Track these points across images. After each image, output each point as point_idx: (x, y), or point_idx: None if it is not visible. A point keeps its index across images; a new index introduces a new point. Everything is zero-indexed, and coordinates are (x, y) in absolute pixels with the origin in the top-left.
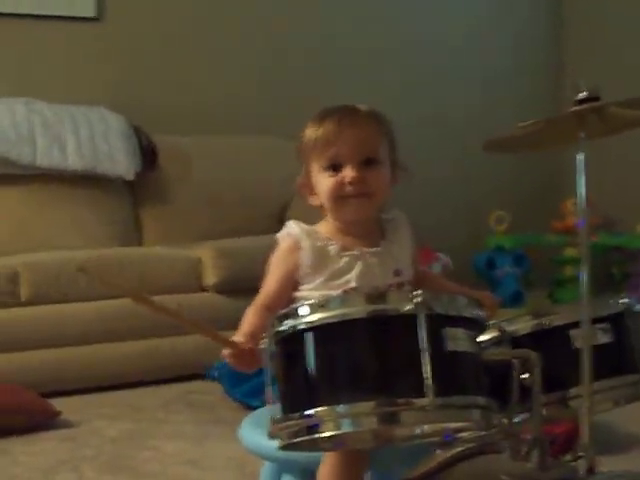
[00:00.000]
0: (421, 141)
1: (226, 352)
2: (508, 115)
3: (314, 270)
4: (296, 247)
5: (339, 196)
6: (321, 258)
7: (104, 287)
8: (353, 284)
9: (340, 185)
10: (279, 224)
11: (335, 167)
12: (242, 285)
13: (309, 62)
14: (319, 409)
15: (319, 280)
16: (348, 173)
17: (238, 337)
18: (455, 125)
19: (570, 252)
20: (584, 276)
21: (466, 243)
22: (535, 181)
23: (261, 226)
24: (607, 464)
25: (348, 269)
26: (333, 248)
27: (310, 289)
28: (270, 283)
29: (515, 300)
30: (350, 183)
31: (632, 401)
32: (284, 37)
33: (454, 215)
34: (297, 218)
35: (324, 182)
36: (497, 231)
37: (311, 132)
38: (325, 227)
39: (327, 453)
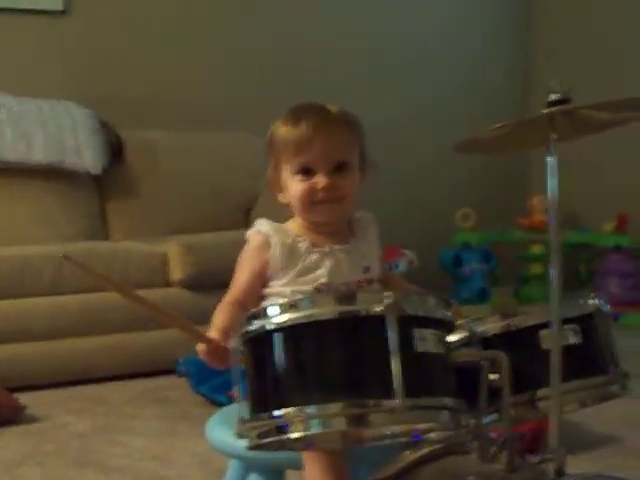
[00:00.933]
0: (389, 139)
1: (201, 348)
2: (477, 115)
3: (284, 266)
4: (266, 244)
5: (310, 201)
6: (291, 254)
7: (87, 275)
8: (324, 280)
9: (312, 191)
10: (246, 219)
11: (306, 171)
12: (208, 281)
13: (279, 58)
14: (288, 410)
15: (289, 276)
16: (320, 180)
17: (211, 333)
18: (423, 123)
19: (536, 249)
20: (555, 276)
21: (433, 240)
22: (501, 178)
23: (228, 221)
24: (574, 463)
25: (318, 265)
26: (303, 245)
27: (280, 285)
28: (240, 279)
29: (481, 297)
30: (322, 189)
31: (599, 402)
32: (253, 30)
33: (420, 212)
34: (265, 213)
35: (295, 186)
36: (463, 228)
37: (284, 132)
38: (294, 224)
39: (308, 456)
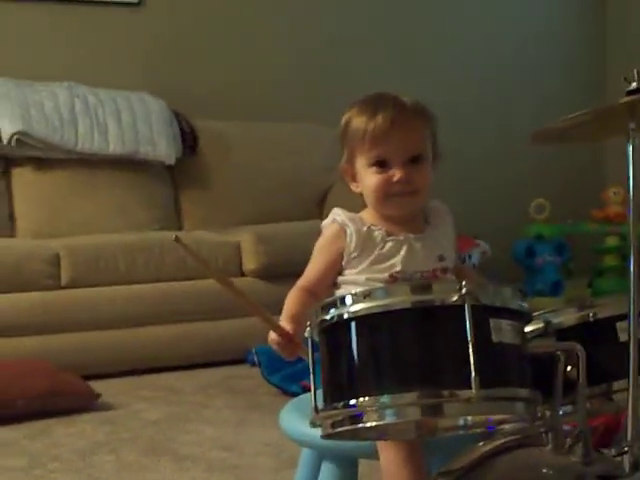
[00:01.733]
0: (464, 129)
1: (272, 336)
2: (554, 104)
3: (359, 254)
4: (342, 232)
5: (385, 193)
6: (366, 242)
7: (194, 260)
8: (398, 268)
9: (387, 184)
10: (319, 211)
11: (381, 164)
12: (281, 270)
13: (351, 50)
14: (362, 399)
15: (364, 264)
16: (396, 172)
17: (282, 321)
18: (499, 113)
19: (611, 241)
20: (632, 267)
21: (506, 231)
22: (576, 169)
23: (300, 212)
24: None
25: (393, 253)
26: (378, 233)
27: (355, 273)
28: (314, 267)
29: (555, 289)
30: (397, 182)
31: None
32: (328, 24)
33: (494, 203)
34: (338, 204)
35: (370, 178)
36: (537, 219)
37: (359, 124)
38: (368, 214)
39: (384, 446)
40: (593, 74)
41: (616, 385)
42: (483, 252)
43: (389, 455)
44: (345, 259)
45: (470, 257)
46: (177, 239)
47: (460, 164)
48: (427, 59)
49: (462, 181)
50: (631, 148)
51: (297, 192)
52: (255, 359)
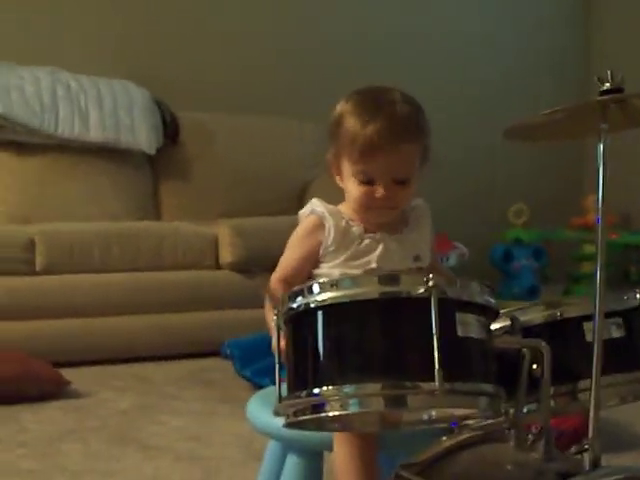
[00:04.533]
0: (445, 132)
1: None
2: (538, 108)
3: (336, 249)
4: (320, 224)
5: (366, 206)
6: (344, 237)
7: None
8: (373, 265)
9: (369, 198)
10: (298, 205)
11: (366, 179)
12: (258, 263)
13: (338, 46)
14: (326, 388)
15: (340, 259)
16: (379, 190)
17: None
18: (481, 117)
19: (588, 249)
20: (599, 266)
21: (484, 234)
22: (557, 176)
23: (280, 206)
24: (612, 462)
25: (369, 250)
26: (356, 229)
27: (330, 267)
28: (291, 258)
29: (531, 294)
30: (379, 198)
31: None
32: (310, 17)
33: (474, 206)
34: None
35: (353, 187)
36: (516, 224)
37: (351, 126)
38: (348, 208)
39: (338, 439)
40: (577, 77)
41: (581, 384)
42: (461, 255)
43: (342, 448)
44: (322, 252)
45: (448, 259)
46: None
47: (441, 165)
48: (410, 58)
49: (442, 183)
50: (602, 148)
51: (278, 186)
52: (228, 352)
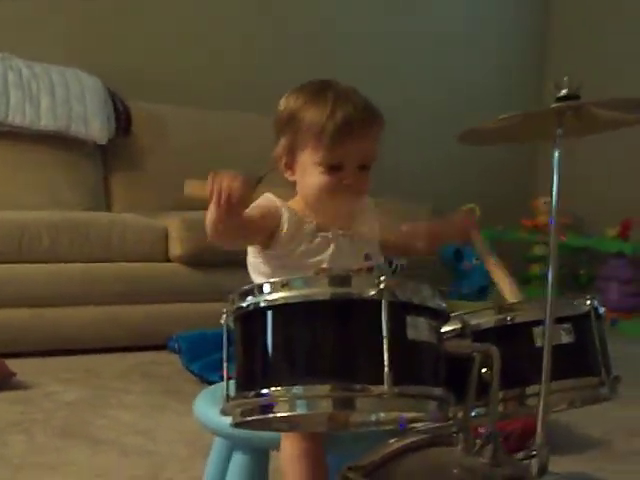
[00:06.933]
0: (397, 133)
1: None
2: (491, 109)
3: (289, 239)
4: (277, 209)
5: (332, 194)
6: (297, 231)
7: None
8: (325, 265)
9: (335, 184)
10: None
11: (334, 166)
12: (208, 258)
13: (290, 39)
14: (274, 389)
15: (291, 257)
16: (347, 177)
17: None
18: (432, 117)
19: (538, 250)
20: (550, 273)
21: None
22: (508, 177)
23: None
24: (560, 464)
25: (321, 250)
26: (309, 226)
27: (279, 266)
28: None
29: (480, 294)
30: (346, 185)
31: (589, 403)
32: (273, 10)
33: (424, 205)
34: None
35: (317, 177)
36: None
37: (315, 117)
38: (298, 205)
39: (285, 438)
40: (532, 79)
41: (529, 390)
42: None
43: (289, 447)
44: (275, 236)
45: (399, 258)
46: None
47: (392, 166)
48: (363, 60)
49: (392, 184)
50: (557, 154)
51: None
52: (176, 346)
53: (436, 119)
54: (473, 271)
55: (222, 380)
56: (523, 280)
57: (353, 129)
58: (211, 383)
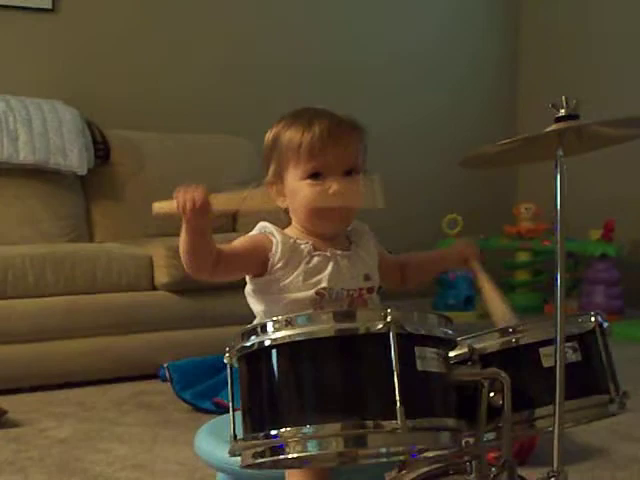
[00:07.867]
0: (380, 145)
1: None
2: (466, 122)
3: (284, 266)
4: (268, 241)
5: (321, 208)
6: (292, 255)
7: None
8: (324, 284)
9: (323, 197)
10: (233, 223)
11: (317, 176)
12: (194, 284)
13: (268, 62)
14: (284, 429)
15: (289, 278)
16: (332, 185)
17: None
18: (414, 130)
19: (522, 257)
20: (558, 292)
21: (419, 245)
22: (489, 185)
23: (214, 224)
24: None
25: (320, 269)
26: (305, 247)
27: (278, 291)
28: (235, 242)
29: (466, 304)
30: (333, 194)
31: (597, 420)
32: (248, 36)
33: (408, 217)
34: (252, 218)
35: (305, 190)
36: (450, 234)
37: (293, 135)
38: (293, 231)
39: (290, 473)
40: (505, 96)
41: (538, 412)
42: None
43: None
44: (269, 266)
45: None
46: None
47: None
48: (346, 76)
49: None
50: (559, 175)
51: None
52: (167, 375)
53: (419, 136)
54: (458, 281)
55: (214, 408)
56: (508, 287)
57: (330, 136)
58: (203, 411)
